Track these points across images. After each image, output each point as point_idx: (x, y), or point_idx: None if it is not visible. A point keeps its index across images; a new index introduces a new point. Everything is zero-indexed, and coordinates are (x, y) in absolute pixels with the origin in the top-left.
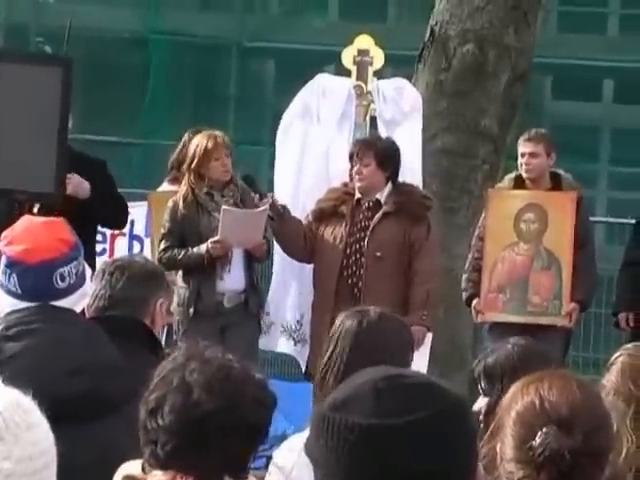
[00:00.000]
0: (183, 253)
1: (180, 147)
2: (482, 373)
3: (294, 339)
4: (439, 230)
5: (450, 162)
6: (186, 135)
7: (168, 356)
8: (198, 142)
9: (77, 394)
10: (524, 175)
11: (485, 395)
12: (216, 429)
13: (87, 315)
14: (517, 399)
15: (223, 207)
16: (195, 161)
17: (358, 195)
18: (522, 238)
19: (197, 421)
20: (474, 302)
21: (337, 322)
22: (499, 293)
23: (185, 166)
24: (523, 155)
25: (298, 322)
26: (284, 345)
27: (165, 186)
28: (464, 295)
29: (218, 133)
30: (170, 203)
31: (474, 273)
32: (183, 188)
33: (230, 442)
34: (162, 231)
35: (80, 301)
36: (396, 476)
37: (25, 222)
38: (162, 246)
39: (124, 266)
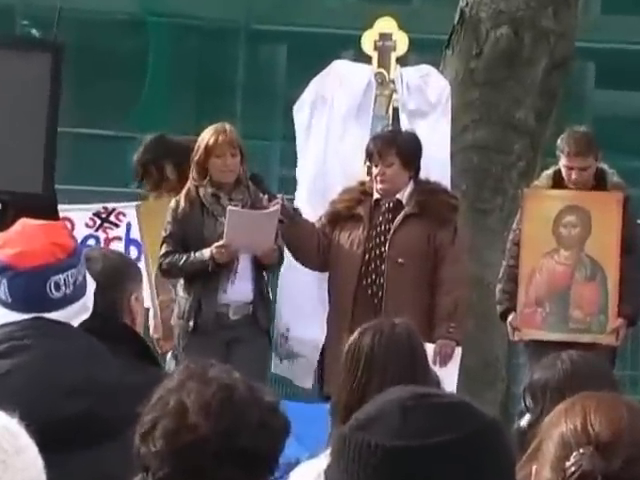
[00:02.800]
0: (185, 258)
1: (142, 150)
2: (527, 388)
3: (279, 357)
4: (468, 234)
5: (482, 159)
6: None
7: (169, 375)
8: (203, 136)
9: (71, 417)
10: (570, 186)
11: (529, 412)
12: (213, 456)
13: None
14: (560, 419)
15: (229, 207)
16: (198, 156)
17: (377, 196)
18: (562, 244)
19: (191, 447)
20: (510, 317)
21: (353, 337)
22: (537, 307)
23: (191, 160)
24: (571, 168)
25: (282, 336)
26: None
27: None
28: (498, 309)
29: (227, 127)
30: (172, 203)
31: (509, 284)
32: (187, 188)
33: (230, 471)
34: (163, 234)
35: (79, 315)
36: None
37: (21, 224)
38: (162, 250)
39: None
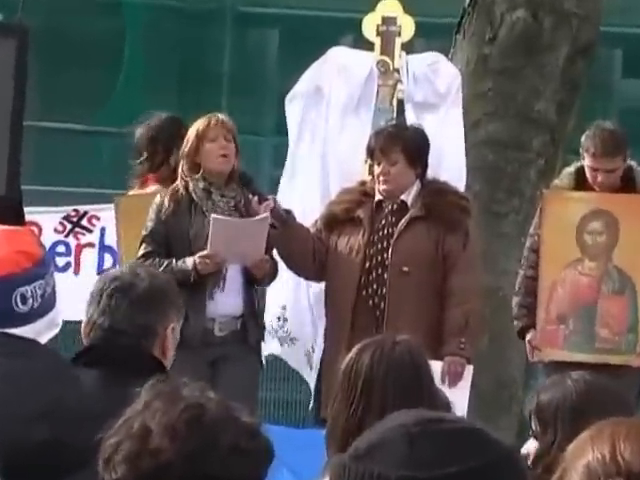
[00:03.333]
0: (165, 265)
1: (154, 125)
2: (534, 412)
3: (279, 340)
4: (481, 239)
5: (496, 156)
6: (137, 131)
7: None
8: (194, 125)
9: (37, 444)
10: (596, 188)
11: (535, 438)
12: None
13: (85, 342)
14: (586, 448)
15: (212, 216)
16: (188, 146)
17: (379, 196)
18: (587, 254)
19: (154, 472)
20: (529, 335)
21: (350, 356)
22: (560, 324)
23: (181, 154)
24: (596, 170)
25: (279, 319)
26: (270, 345)
27: (136, 192)
28: (516, 325)
29: (221, 115)
30: (157, 198)
31: (528, 297)
32: (174, 182)
33: None
34: (143, 232)
35: (47, 331)
36: None
37: None
38: (141, 251)
39: (125, 287)
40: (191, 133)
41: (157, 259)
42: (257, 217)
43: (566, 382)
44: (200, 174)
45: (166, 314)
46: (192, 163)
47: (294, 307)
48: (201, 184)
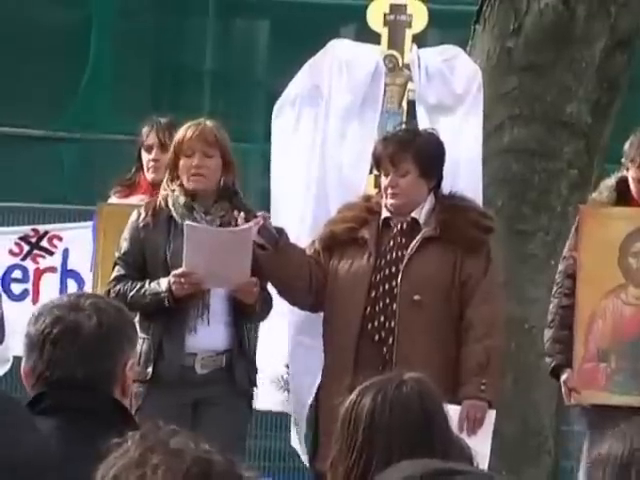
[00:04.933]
0: (137, 288)
1: (159, 126)
2: (592, 467)
3: (286, 389)
4: (505, 263)
5: (522, 165)
6: (144, 130)
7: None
8: (179, 132)
9: None
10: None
11: None
12: None
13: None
14: None
15: (186, 222)
16: (169, 157)
17: (386, 214)
18: (632, 279)
19: None
20: (564, 375)
21: (352, 397)
22: (600, 362)
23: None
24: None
25: (288, 366)
26: (274, 398)
27: (113, 201)
28: (548, 362)
29: (208, 122)
30: (133, 215)
31: (562, 331)
32: (155, 197)
33: None
34: (116, 254)
35: None
36: None
37: None
38: (113, 274)
39: (71, 331)
40: (174, 141)
41: (129, 283)
42: (239, 227)
43: (622, 433)
44: (181, 188)
45: (122, 351)
46: (173, 175)
47: (299, 362)
48: (182, 199)
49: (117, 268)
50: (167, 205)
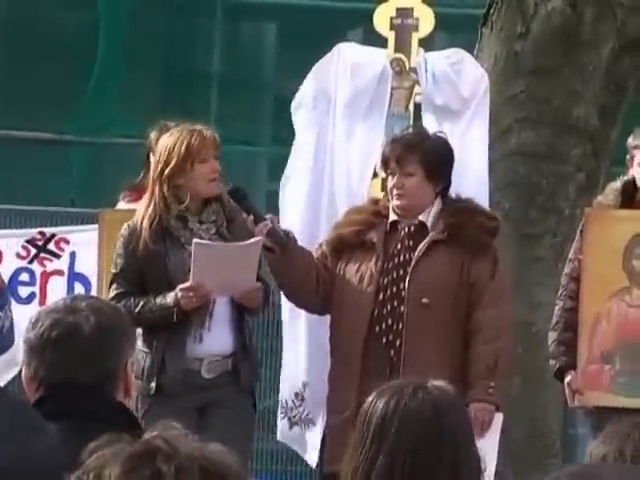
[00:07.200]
0: (142, 304)
1: (146, 152)
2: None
3: (289, 421)
4: (513, 266)
5: (529, 169)
6: (152, 134)
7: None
8: (173, 139)
9: None
10: None
11: None
12: None
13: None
14: None
15: (194, 240)
16: (170, 167)
17: (394, 217)
18: (636, 282)
19: None
20: (568, 377)
21: (370, 398)
22: (604, 364)
23: (153, 175)
24: None
25: (297, 395)
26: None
27: (122, 205)
28: (553, 365)
29: (204, 128)
30: (124, 230)
31: (567, 333)
32: (146, 208)
33: None
34: (113, 270)
35: (6, 371)
36: None
37: None
38: (112, 292)
39: (70, 333)
40: (175, 149)
41: (132, 299)
42: (247, 242)
43: (624, 432)
44: (179, 200)
45: (122, 350)
46: (173, 186)
47: (318, 384)
48: (174, 212)
49: (115, 286)
50: (158, 215)
